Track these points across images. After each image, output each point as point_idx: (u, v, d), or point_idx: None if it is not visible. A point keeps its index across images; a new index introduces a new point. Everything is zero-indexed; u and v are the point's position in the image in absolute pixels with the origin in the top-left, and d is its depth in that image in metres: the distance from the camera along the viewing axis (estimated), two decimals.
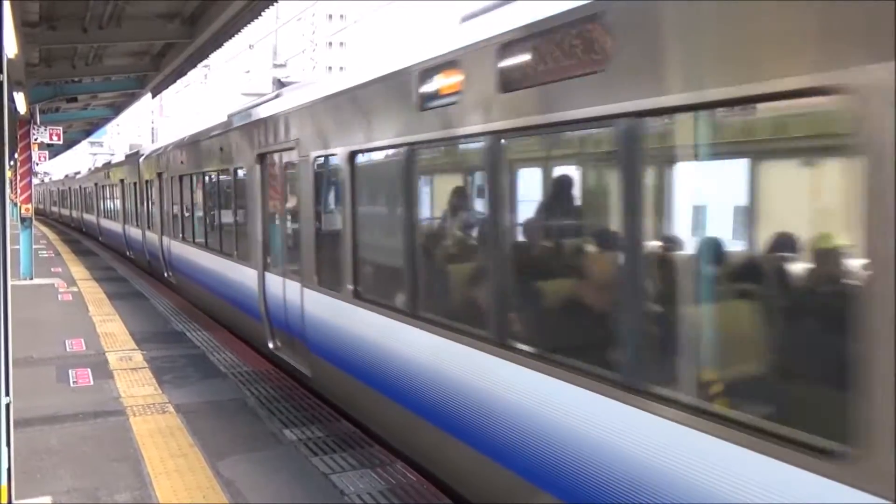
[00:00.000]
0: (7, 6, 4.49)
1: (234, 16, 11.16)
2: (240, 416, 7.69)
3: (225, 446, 6.73)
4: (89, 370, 9.41)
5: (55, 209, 57.86)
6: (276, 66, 32.06)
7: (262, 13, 11.04)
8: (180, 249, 14.87)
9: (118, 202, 24.88)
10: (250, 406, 8.00)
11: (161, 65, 16.08)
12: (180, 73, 16.25)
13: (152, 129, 64.08)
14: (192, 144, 13.66)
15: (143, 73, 17.28)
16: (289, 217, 8.74)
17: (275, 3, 10.65)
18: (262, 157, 9.29)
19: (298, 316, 8.04)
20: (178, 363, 9.91)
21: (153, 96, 20.61)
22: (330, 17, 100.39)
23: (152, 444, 6.81)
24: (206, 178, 12.89)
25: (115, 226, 26.09)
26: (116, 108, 24.93)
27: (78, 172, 43.11)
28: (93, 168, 37.51)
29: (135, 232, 21.28)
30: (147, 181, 18.65)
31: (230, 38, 12.54)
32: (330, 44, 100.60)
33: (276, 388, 8.68)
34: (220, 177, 11.95)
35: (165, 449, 6.67)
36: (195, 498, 5.67)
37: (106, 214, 29.14)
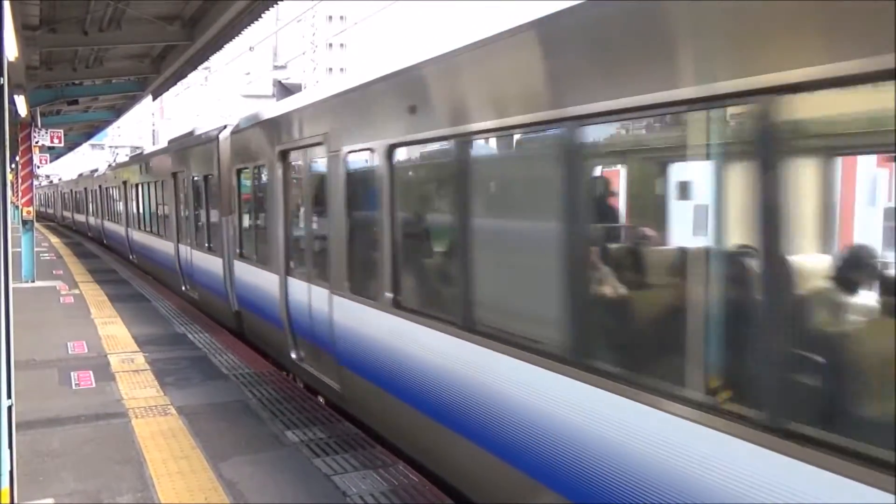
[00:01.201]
0: (7, 9, 4.49)
1: (233, 18, 11.17)
2: (242, 417, 7.69)
3: (227, 448, 6.73)
4: (91, 372, 9.41)
5: (67, 214, 47.49)
6: (276, 67, 32.14)
7: (262, 15, 11.04)
8: (378, 330, 6.41)
9: (166, 208, 16.38)
10: (252, 408, 8.00)
11: (161, 67, 16.10)
12: (181, 75, 16.26)
13: (153, 130, 64.15)
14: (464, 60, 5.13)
15: (144, 75, 17.29)
16: None
17: (275, 5, 10.67)
18: None
19: None
20: (180, 365, 9.92)
21: (154, 98, 20.61)
22: (330, 18, 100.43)
23: (154, 445, 6.81)
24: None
25: (159, 244, 17.46)
26: (117, 111, 24.93)
27: (95, 170, 34.29)
28: (113, 164, 29.94)
29: (205, 260, 12.97)
30: (242, 170, 10.72)
31: (230, 40, 12.55)
32: (330, 45, 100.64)
33: (278, 390, 8.68)
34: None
35: (167, 451, 6.67)
36: (197, 499, 5.67)
37: (141, 225, 20.39)
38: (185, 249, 14.72)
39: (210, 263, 12.59)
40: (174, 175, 15.29)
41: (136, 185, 20.77)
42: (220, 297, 12.11)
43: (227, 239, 11.40)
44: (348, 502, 5.64)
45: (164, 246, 16.70)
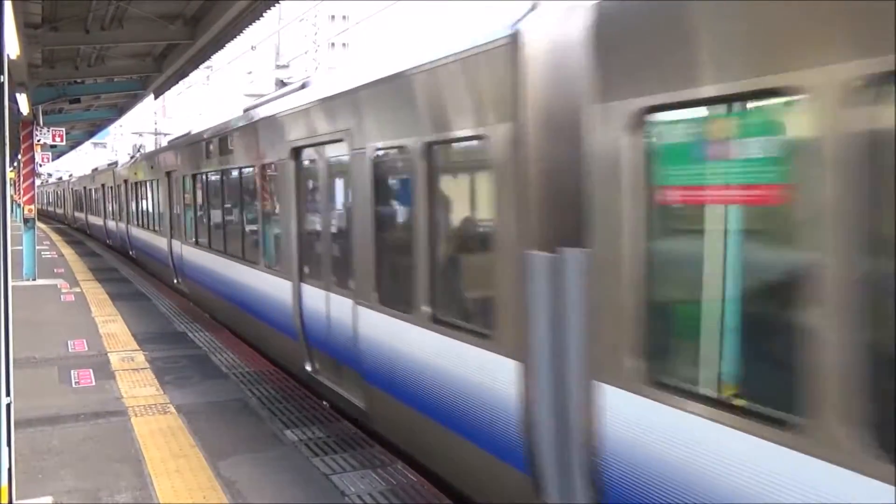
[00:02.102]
0: (9, 7, 4.50)
1: (235, 17, 11.19)
2: (241, 416, 7.69)
3: (226, 447, 6.74)
4: (91, 371, 9.42)
5: (80, 215, 40.48)
6: (278, 66, 32.17)
7: (264, 14, 11.06)
8: None
9: (269, 218, 9.38)
10: (252, 407, 8.01)
11: (163, 66, 16.12)
12: (182, 74, 16.29)
13: (155, 129, 64.32)
14: None
15: (146, 74, 17.32)
16: None
17: (276, 4, 10.68)
18: None
19: None
20: (180, 364, 9.92)
21: (155, 97, 20.65)
22: (332, 17, 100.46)
23: (153, 444, 6.81)
24: None
25: (251, 277, 9.93)
26: (119, 110, 24.97)
27: (114, 163, 28.61)
28: (136, 155, 23.97)
29: (418, 343, 5.50)
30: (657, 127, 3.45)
31: (232, 39, 12.58)
32: (332, 44, 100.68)
33: (277, 389, 8.68)
34: None
35: (166, 449, 6.67)
36: (196, 498, 5.67)
37: (200, 239, 13.19)
38: (323, 299, 7.56)
39: (450, 359, 5.17)
40: (296, 153, 8.15)
41: (193, 177, 13.52)
42: (493, 454, 4.78)
43: (548, 337, 4.19)
44: (346, 502, 5.63)
45: (265, 283, 9.31)
